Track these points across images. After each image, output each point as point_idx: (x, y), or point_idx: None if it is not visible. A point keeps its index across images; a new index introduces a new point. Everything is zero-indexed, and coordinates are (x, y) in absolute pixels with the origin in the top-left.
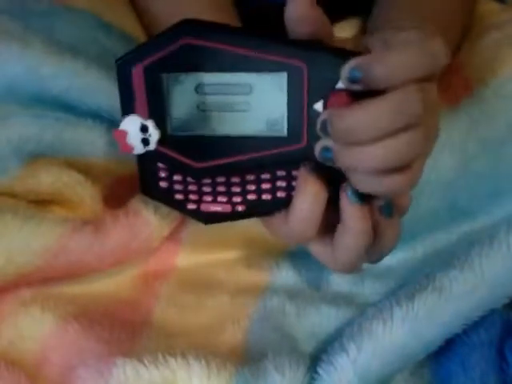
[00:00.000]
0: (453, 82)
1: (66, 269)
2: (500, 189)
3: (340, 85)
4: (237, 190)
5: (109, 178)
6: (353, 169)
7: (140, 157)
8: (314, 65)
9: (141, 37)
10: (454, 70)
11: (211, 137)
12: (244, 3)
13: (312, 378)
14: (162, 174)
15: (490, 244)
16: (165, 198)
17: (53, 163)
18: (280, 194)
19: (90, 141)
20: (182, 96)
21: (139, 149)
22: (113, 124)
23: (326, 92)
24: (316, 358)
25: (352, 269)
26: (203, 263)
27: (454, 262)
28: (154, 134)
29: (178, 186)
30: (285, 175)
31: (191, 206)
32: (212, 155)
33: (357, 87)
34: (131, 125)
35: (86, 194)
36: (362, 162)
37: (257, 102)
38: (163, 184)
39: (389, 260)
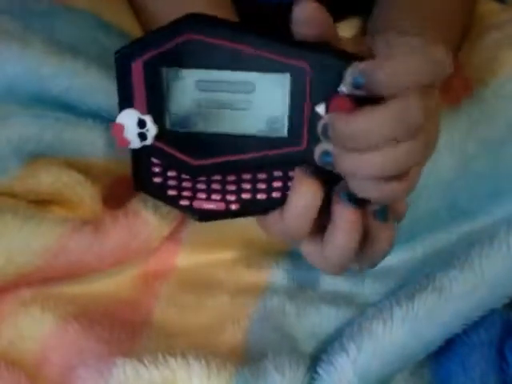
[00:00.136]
0: (453, 83)
1: (66, 269)
2: (500, 189)
3: (342, 88)
4: (232, 188)
5: (109, 178)
6: (352, 174)
7: (135, 151)
8: (318, 67)
9: (140, 35)
10: (454, 70)
11: (209, 134)
12: (240, 2)
13: (312, 378)
14: (156, 169)
15: (490, 244)
16: (158, 193)
17: (53, 163)
18: (275, 195)
19: (89, 141)
20: (182, 92)
21: (136, 143)
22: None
23: (328, 95)
24: (316, 358)
25: (341, 270)
26: (203, 263)
27: (454, 262)
28: (151, 129)
29: (171, 182)
30: (281, 176)
31: (184, 203)
32: (210, 153)
33: (359, 92)
34: (128, 119)
35: (86, 194)
36: (362, 168)
37: (258, 102)
38: (157, 179)
39: (389, 260)
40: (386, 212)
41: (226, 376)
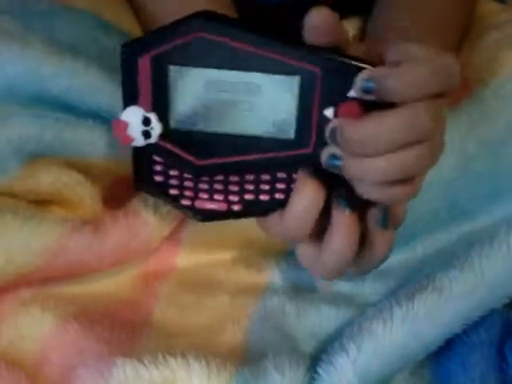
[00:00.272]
0: None
1: (66, 269)
2: (500, 189)
3: (352, 93)
4: (235, 188)
5: (109, 178)
6: (358, 178)
7: (137, 149)
8: (328, 71)
9: (140, 35)
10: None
11: (215, 134)
12: (240, 2)
13: (312, 378)
14: (158, 168)
15: (490, 244)
16: (159, 192)
17: (52, 163)
18: (278, 196)
19: (89, 141)
20: (189, 90)
21: (139, 141)
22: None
23: (337, 99)
24: (316, 358)
25: (337, 274)
26: (203, 263)
27: (454, 262)
28: (156, 127)
29: (173, 181)
30: (285, 177)
31: (186, 202)
32: (214, 153)
33: (369, 97)
34: (133, 116)
35: (86, 194)
36: (369, 172)
37: (265, 103)
38: (158, 178)
39: (389, 260)
40: (387, 219)
41: (226, 376)
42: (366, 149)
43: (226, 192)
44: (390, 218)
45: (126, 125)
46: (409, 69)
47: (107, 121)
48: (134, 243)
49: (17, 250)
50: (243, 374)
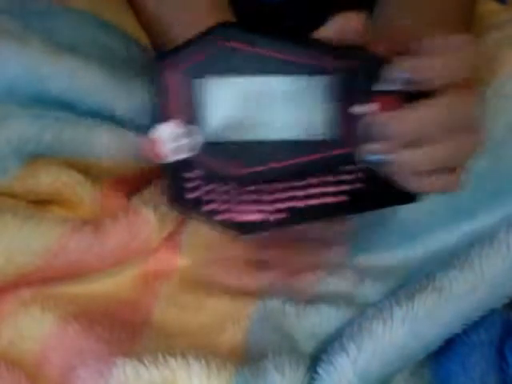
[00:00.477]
0: None
1: (66, 268)
2: (500, 189)
3: (385, 86)
4: (274, 197)
5: (108, 178)
6: (405, 169)
7: (168, 166)
8: (357, 67)
9: (141, 36)
10: None
11: (251, 142)
12: (241, 2)
13: (312, 378)
14: (192, 184)
15: (490, 244)
16: (193, 208)
17: (52, 163)
18: (324, 200)
19: (89, 141)
20: (221, 101)
21: (173, 157)
22: (113, 124)
23: (370, 94)
24: (316, 358)
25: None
26: (203, 263)
27: (454, 262)
28: (190, 142)
29: (208, 197)
30: (320, 181)
31: (222, 217)
32: (252, 162)
33: (406, 88)
34: (166, 131)
35: (86, 194)
36: (414, 163)
37: (298, 106)
38: (191, 195)
39: (389, 260)
40: None
41: (226, 376)
42: (411, 139)
43: (263, 202)
44: None
45: (159, 141)
46: (446, 56)
47: (107, 121)
48: (134, 243)
49: (17, 249)
50: (243, 373)
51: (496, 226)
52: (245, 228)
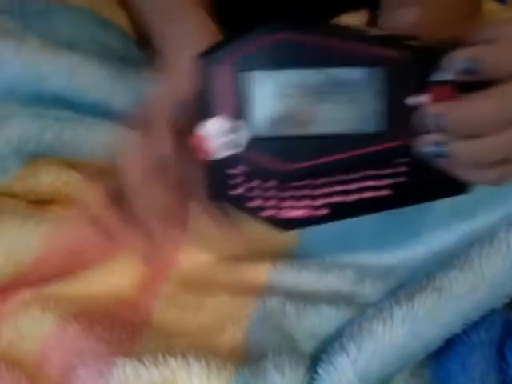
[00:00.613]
0: None
1: (66, 263)
2: (500, 188)
3: (441, 77)
4: (319, 192)
5: (108, 178)
6: (467, 161)
7: (212, 163)
8: (413, 57)
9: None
10: None
11: (300, 137)
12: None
13: (312, 378)
14: (236, 181)
15: (489, 243)
16: (237, 204)
17: (52, 163)
18: (367, 195)
19: (89, 141)
20: (271, 95)
21: (221, 153)
22: (112, 124)
23: (426, 85)
24: (316, 358)
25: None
26: (203, 263)
27: (454, 262)
28: (239, 137)
29: (252, 193)
30: (373, 175)
31: (267, 213)
32: (301, 157)
33: (463, 78)
34: (214, 127)
35: (86, 194)
36: (477, 154)
37: (350, 99)
38: (235, 191)
39: (389, 260)
40: None
41: (226, 376)
42: (474, 130)
43: (311, 197)
44: None
45: (206, 137)
46: (507, 44)
47: (107, 118)
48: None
49: (17, 249)
50: (243, 373)
51: (496, 226)
52: (289, 224)
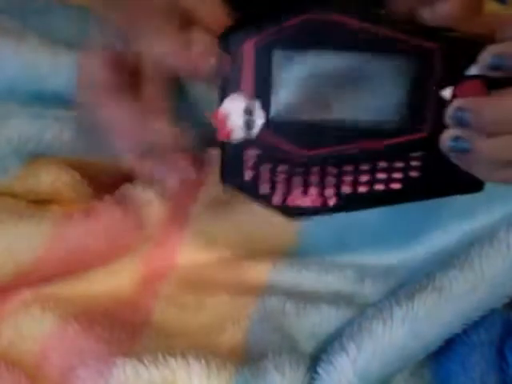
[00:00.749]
0: None
1: (66, 262)
2: (500, 188)
3: (472, 71)
4: (330, 181)
5: (108, 177)
6: (490, 158)
7: (228, 144)
8: (445, 49)
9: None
10: None
11: (322, 122)
12: None
13: (312, 378)
14: (250, 164)
15: (489, 243)
16: (248, 189)
17: (52, 163)
18: (378, 187)
19: (89, 141)
20: (295, 76)
21: (239, 133)
22: None
23: (456, 78)
24: (316, 358)
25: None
26: (203, 263)
27: (454, 262)
28: (259, 117)
29: (265, 178)
30: (386, 167)
31: (277, 200)
32: (320, 143)
33: (497, 74)
34: (234, 105)
35: (86, 194)
36: (501, 152)
37: (376, 87)
38: (249, 175)
39: (389, 260)
40: None
41: (226, 376)
42: (499, 128)
43: (322, 186)
44: None
45: (226, 115)
46: None
47: None
48: (128, 221)
49: (17, 249)
50: (243, 373)
51: (496, 226)
52: (301, 212)
